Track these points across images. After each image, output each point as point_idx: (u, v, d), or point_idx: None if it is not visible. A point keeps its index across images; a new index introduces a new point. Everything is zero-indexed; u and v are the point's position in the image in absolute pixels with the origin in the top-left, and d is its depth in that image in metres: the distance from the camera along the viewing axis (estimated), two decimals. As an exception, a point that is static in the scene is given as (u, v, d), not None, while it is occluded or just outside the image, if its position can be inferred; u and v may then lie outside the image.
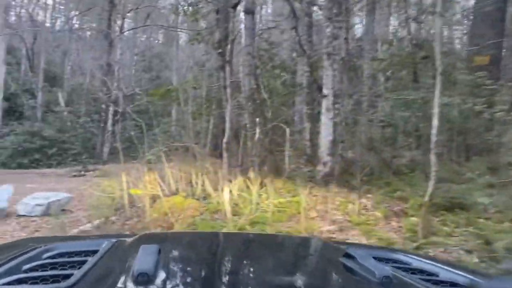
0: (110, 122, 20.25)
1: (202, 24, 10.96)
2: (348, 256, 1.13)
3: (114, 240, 1.25)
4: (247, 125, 6.36)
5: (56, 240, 1.42)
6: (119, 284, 0.89)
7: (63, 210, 7.58)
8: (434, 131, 4.53)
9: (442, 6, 4.79)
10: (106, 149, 19.35)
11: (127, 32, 25.00)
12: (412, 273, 1.15)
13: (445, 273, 1.16)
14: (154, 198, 5.66)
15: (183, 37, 31.41)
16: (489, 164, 6.75)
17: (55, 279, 0.93)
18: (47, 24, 29.40)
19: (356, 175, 6.24)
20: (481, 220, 5.00)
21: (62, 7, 31.55)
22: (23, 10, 28.19)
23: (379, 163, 7.05)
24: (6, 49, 18.00)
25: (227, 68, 6.12)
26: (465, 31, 19.32)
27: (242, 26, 8.61)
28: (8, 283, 0.89)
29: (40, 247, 1.15)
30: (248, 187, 5.57)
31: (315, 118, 6.63)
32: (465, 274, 1.15)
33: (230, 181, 5.47)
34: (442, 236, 4.60)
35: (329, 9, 5.80)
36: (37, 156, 17.83)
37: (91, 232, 5.57)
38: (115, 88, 21.49)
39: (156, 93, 10.30)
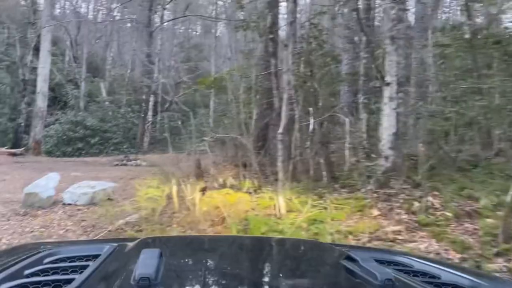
0: (150, 112, 20.41)
1: (243, 13, 10.59)
2: (350, 259, 1.13)
3: (115, 244, 1.25)
4: (297, 116, 5.96)
5: (58, 244, 1.42)
6: None
7: (108, 199, 7.52)
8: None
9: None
10: (146, 139, 19.51)
11: (166, 23, 25.08)
12: (414, 276, 1.14)
13: (448, 275, 1.15)
14: (202, 191, 5.40)
15: (221, 27, 31.43)
16: None
17: (57, 284, 0.93)
18: (90, 16, 30.04)
19: (416, 171, 5.73)
20: None
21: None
22: (67, 3, 28.90)
23: (440, 158, 6.47)
24: (51, 40, 18.39)
25: (279, 54, 5.75)
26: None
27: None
28: None
29: (42, 251, 1.16)
30: (304, 181, 5.19)
31: (371, 109, 6.17)
32: (467, 276, 1.13)
33: (285, 174, 5.10)
34: (527, 242, 4.05)
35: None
36: (80, 145, 18.21)
37: (138, 223, 5.40)
38: (155, 79, 21.64)
39: (203, 82, 10.07)
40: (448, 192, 5.28)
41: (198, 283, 1.05)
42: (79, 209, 7.00)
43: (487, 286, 1.09)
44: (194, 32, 36.42)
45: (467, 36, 8.63)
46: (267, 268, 1.22)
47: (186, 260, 1.32)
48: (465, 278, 1.12)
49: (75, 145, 18.11)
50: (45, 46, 17.51)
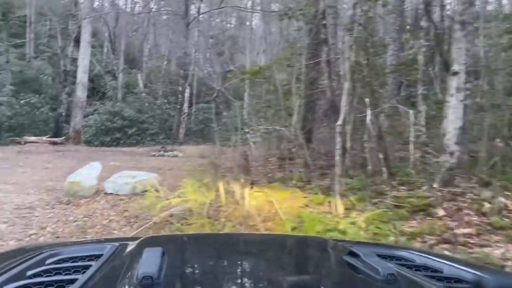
0: (186, 104, 20.42)
1: (277, 4, 10.21)
2: (352, 254, 1.13)
3: (117, 244, 1.25)
4: (350, 108, 5.57)
5: (60, 245, 1.42)
6: None
7: (149, 190, 7.41)
8: None
9: None
10: (182, 130, 19.55)
11: (202, 15, 25.00)
12: (416, 270, 1.13)
13: (450, 269, 1.14)
14: (251, 184, 5.13)
15: (255, 19, 31.11)
16: None
17: (60, 284, 0.93)
18: (127, 9, 30.40)
19: (478, 168, 5.25)
20: None
21: (141, -8, 32.43)
22: (106, -5, 29.35)
23: (504, 154, 5.93)
24: (91, 32, 18.66)
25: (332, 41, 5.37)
26: None
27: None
28: None
29: (44, 252, 1.15)
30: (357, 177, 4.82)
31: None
32: (470, 270, 1.12)
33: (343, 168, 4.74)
34: None
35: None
36: (118, 135, 18.45)
37: (184, 215, 5.20)
38: (191, 70, 21.63)
39: (248, 71, 9.80)
40: (521, 192, 4.79)
41: (201, 281, 1.06)
42: (121, 199, 6.92)
43: (490, 279, 1.07)
44: (228, 25, 36.30)
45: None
46: (270, 265, 1.21)
47: (189, 258, 1.31)
48: (467, 271, 1.11)
49: (113, 135, 18.37)
50: (85, 38, 17.78)
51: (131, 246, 1.25)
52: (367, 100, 5.10)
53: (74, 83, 18.02)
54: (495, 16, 13.11)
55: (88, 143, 17.45)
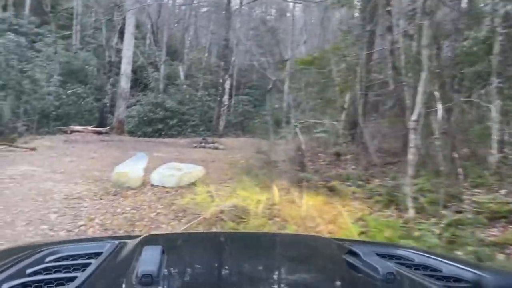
0: (226, 96, 20.29)
1: None
2: (352, 253, 1.12)
3: (117, 242, 1.24)
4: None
5: (59, 243, 1.40)
6: (123, 286, 0.90)
7: (194, 182, 7.26)
8: None
9: None
10: (222, 122, 19.45)
11: (243, 6, 24.73)
12: (415, 269, 1.13)
13: (449, 268, 1.13)
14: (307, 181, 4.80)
15: (297, 10, 30.49)
16: None
17: (59, 282, 0.93)
18: (170, 0, 30.62)
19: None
20: None
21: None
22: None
23: None
24: (135, 24, 18.82)
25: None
26: None
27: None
28: (13, 287, 0.89)
29: (44, 250, 1.15)
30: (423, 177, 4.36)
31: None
32: (469, 269, 1.12)
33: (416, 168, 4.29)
34: None
35: None
36: (160, 126, 18.60)
37: (235, 212, 4.95)
38: (232, 62, 21.46)
39: (301, 61, 9.43)
40: None
41: (201, 279, 1.06)
42: (167, 192, 6.80)
43: (489, 279, 1.05)
44: (268, 16, 35.90)
45: None
46: (269, 264, 1.21)
47: (189, 256, 1.29)
48: (466, 270, 1.11)
49: (155, 126, 18.54)
50: (129, 29, 17.96)
51: (130, 244, 1.24)
52: (436, 93, 4.60)
53: (118, 74, 18.28)
54: None
55: (131, 133, 17.69)
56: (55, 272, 1.01)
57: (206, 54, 24.85)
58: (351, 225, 3.65)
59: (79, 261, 1.08)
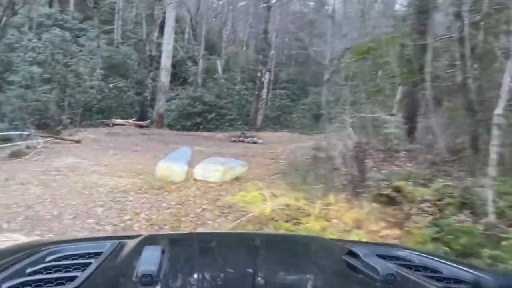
0: (264, 90, 20.04)
1: None
2: (352, 254, 1.12)
3: (117, 242, 1.24)
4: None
5: (60, 242, 1.38)
6: (124, 286, 0.92)
7: (237, 178, 7.05)
8: None
9: None
10: (259, 117, 19.23)
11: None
12: (416, 270, 1.13)
13: (449, 270, 1.13)
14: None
15: (336, 3, 29.73)
16: None
17: (60, 281, 0.93)
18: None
19: None
20: None
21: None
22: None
23: None
24: (175, 18, 18.89)
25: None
26: None
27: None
28: (13, 286, 0.90)
29: (44, 249, 1.15)
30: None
31: None
32: (469, 270, 1.11)
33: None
34: None
35: None
36: (198, 119, 18.62)
37: (286, 210, 4.67)
38: (270, 56, 21.14)
39: (356, 51, 9.03)
40: None
41: (200, 279, 1.05)
42: (210, 186, 6.63)
43: (489, 280, 1.05)
44: (306, 10, 35.30)
45: None
46: (269, 264, 1.21)
47: (188, 256, 1.29)
48: (467, 272, 1.10)
49: (193, 119, 18.58)
50: (170, 24, 18.02)
51: (130, 244, 1.23)
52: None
53: (158, 68, 18.42)
54: None
55: (170, 126, 17.81)
56: (56, 271, 1.01)
57: (244, 48, 24.67)
58: (421, 230, 3.27)
59: (80, 261, 1.08)
